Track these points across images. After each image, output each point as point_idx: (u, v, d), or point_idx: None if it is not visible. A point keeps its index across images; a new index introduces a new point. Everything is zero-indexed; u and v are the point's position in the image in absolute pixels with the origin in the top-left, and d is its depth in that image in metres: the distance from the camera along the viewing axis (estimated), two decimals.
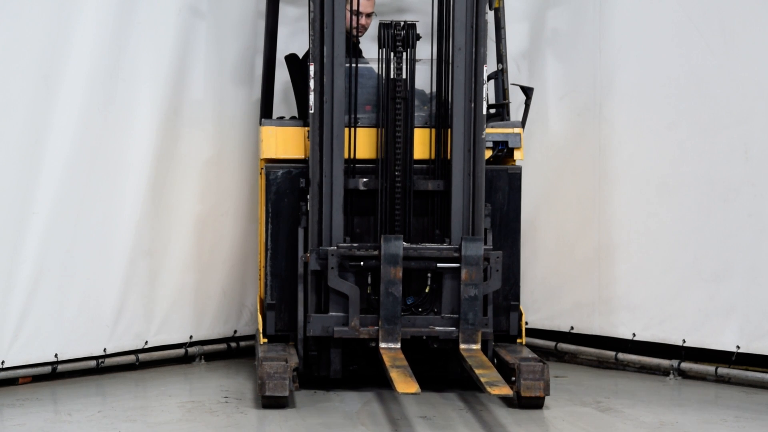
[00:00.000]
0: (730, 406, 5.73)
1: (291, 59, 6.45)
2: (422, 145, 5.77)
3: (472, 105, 5.60)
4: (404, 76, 5.65)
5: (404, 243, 5.52)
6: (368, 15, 6.17)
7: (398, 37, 5.64)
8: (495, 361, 5.65)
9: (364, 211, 5.77)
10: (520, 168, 5.99)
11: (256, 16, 6.75)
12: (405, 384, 4.90)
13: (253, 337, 6.65)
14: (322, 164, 5.57)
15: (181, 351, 6.62)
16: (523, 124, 6.14)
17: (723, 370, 6.18)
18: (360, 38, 6.26)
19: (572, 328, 6.77)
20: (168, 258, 6.48)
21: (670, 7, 6.26)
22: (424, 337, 5.60)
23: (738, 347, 6.09)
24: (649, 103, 6.40)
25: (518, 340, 5.99)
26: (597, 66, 6.60)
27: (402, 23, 5.66)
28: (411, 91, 5.71)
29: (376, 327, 5.53)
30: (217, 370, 6.51)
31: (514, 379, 5.30)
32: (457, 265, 5.49)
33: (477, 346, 5.51)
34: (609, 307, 6.58)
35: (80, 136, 5.97)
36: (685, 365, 6.30)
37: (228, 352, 6.84)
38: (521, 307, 6.01)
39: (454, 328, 5.56)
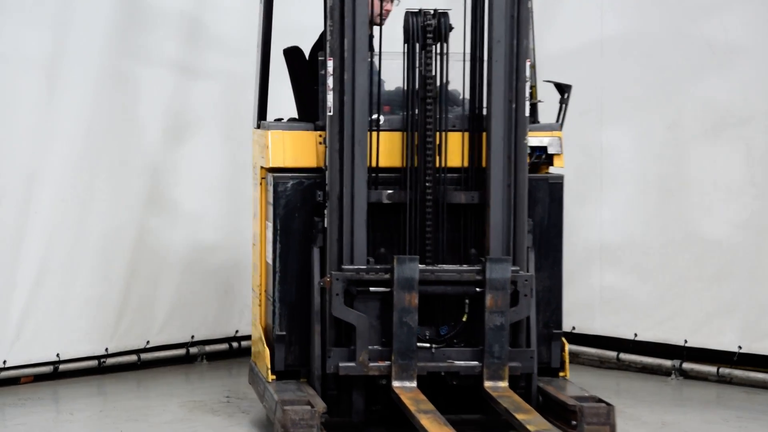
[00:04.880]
0: (731, 407, 5.86)
1: (292, 53, 5.65)
2: (453, 151, 5.07)
3: (513, 106, 4.94)
4: (435, 73, 4.94)
5: (421, 265, 4.85)
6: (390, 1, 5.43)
7: (429, 28, 4.93)
8: (540, 399, 4.95)
9: (387, 226, 5.05)
10: (562, 177, 5.29)
11: None
12: None
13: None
14: (342, 174, 4.85)
15: (183, 351, 6.79)
16: (560, 126, 5.43)
17: (725, 371, 6.30)
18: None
19: (573, 328, 6.68)
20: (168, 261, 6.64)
21: None
22: (443, 374, 4.93)
23: (740, 347, 6.21)
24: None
25: (561, 374, 5.26)
26: None
27: (432, 11, 4.95)
28: (443, 89, 4.99)
29: (388, 362, 4.84)
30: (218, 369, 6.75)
31: (575, 423, 4.58)
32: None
33: (504, 384, 4.87)
34: (610, 308, 6.66)
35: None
36: (686, 365, 6.43)
37: (230, 351, 6.98)
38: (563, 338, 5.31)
39: (477, 363, 4.89)
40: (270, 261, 5.19)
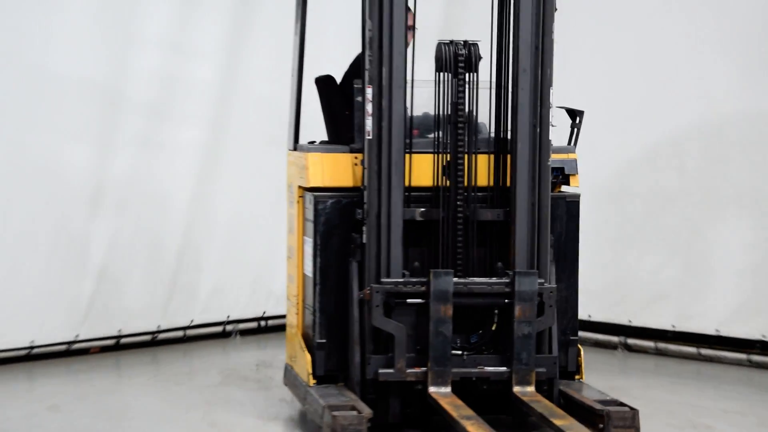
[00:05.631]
0: (666, 375, 7.16)
1: (325, 81, 6.03)
2: (480, 172, 5.42)
3: (537, 130, 5.30)
4: (465, 99, 5.32)
5: (454, 278, 5.18)
6: (411, 29, 5.80)
7: (460, 57, 5.29)
8: (562, 401, 5.33)
9: (419, 242, 5.39)
10: (578, 196, 5.68)
11: None
12: None
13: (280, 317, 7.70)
14: (380, 193, 5.20)
15: (220, 328, 8.13)
16: (574, 148, 5.81)
17: (661, 345, 7.68)
18: None
19: None
20: (216, 232, 7.94)
21: None
22: (474, 379, 5.27)
23: (673, 326, 7.60)
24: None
25: (576, 377, 5.65)
26: None
27: (463, 42, 5.32)
28: (472, 115, 5.37)
29: (424, 369, 5.19)
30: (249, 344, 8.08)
31: (601, 426, 4.94)
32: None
33: (532, 388, 5.21)
34: None
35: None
36: (630, 341, 7.80)
37: (258, 329, 8.32)
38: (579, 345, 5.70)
39: (505, 369, 5.24)
40: (310, 274, 5.52)
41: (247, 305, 8.20)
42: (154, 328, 7.70)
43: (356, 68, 5.85)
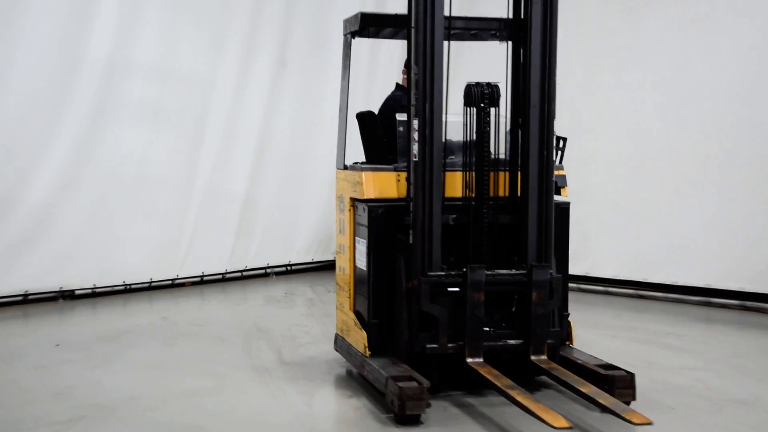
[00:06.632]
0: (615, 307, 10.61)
1: (365, 115, 7.37)
2: (499, 185, 6.77)
3: (545, 153, 6.66)
4: (489, 128, 6.65)
5: (486, 271, 6.47)
6: None
7: (485, 96, 6.64)
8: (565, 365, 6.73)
9: (452, 241, 6.66)
10: (568, 203, 7.10)
11: None
12: (555, 419, 5.53)
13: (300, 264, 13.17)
14: (424, 204, 6.50)
15: (263, 270, 12.78)
16: (562, 166, 7.23)
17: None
18: None
19: None
20: (261, 210, 12.55)
21: None
22: (499, 350, 6.59)
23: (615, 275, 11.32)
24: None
25: (567, 342, 7.08)
26: None
27: (486, 83, 6.66)
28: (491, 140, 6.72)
29: (461, 343, 6.48)
30: (281, 281, 12.52)
31: (606, 387, 6.23)
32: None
33: (545, 356, 6.53)
34: None
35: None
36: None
37: (287, 272, 13.07)
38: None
39: (523, 341, 6.57)
40: (364, 267, 6.84)
41: (280, 257, 12.83)
42: (223, 271, 12.16)
43: (388, 105, 7.24)
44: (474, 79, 6.74)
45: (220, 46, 11.71)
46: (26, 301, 10.30)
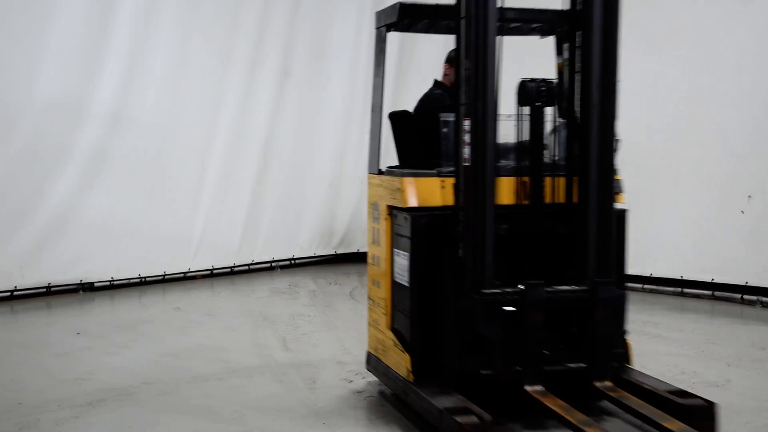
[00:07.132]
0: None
1: (397, 115, 6.71)
2: (557, 192, 6.19)
3: (607, 156, 6.05)
4: (545, 129, 6.05)
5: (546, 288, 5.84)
6: None
7: (542, 94, 6.02)
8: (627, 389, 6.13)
9: (501, 253, 6.02)
10: (625, 211, 6.48)
11: None
12: None
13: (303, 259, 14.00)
14: (476, 212, 5.87)
15: (269, 264, 13.64)
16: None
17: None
18: None
19: None
20: (266, 209, 13.37)
21: None
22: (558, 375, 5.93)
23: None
24: None
25: (625, 363, 6.42)
26: None
27: (542, 80, 6.06)
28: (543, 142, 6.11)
29: (518, 368, 5.84)
30: (285, 275, 13.31)
31: (687, 419, 5.54)
32: None
33: (610, 383, 5.91)
34: None
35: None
36: None
37: (290, 265, 13.85)
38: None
39: (585, 365, 5.95)
40: (405, 283, 6.19)
41: (284, 251, 13.69)
42: (231, 264, 12.99)
43: (428, 104, 6.59)
44: (518, 77, 6.14)
45: (228, 59, 12.73)
46: (49, 292, 11.16)
